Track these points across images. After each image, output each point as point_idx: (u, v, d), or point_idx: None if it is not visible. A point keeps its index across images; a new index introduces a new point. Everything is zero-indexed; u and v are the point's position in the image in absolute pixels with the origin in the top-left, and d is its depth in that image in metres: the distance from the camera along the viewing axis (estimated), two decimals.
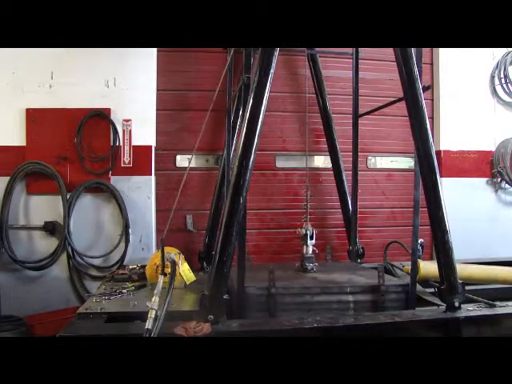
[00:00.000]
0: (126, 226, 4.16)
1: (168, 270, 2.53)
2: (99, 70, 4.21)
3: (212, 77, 4.33)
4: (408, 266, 3.41)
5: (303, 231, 3.35)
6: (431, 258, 4.47)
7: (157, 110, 4.41)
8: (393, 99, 3.52)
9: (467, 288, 2.85)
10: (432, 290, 3.37)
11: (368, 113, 3.96)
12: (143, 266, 3.50)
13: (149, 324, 2.14)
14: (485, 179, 4.97)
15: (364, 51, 4.47)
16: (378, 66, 4.80)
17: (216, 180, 4.25)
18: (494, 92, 4.98)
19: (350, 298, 2.95)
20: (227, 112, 4.06)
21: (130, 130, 4.27)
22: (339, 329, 2.51)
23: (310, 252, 3.33)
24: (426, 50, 4.88)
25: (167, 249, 2.90)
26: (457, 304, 2.74)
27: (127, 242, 4.17)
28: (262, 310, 2.82)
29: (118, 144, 4.21)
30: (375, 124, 4.74)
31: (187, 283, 3.11)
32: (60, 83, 4.16)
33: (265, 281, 2.86)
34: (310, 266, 3.31)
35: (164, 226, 2.81)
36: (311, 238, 3.31)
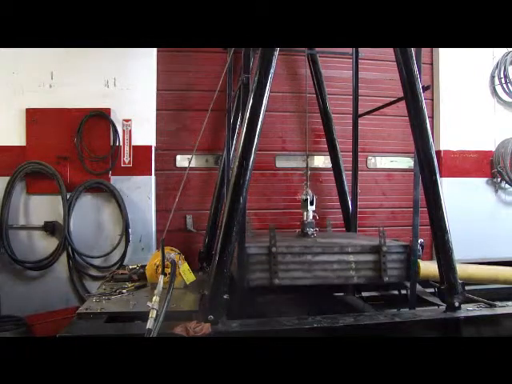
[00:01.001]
0: (126, 226, 4.16)
1: (168, 270, 2.54)
2: (99, 70, 4.21)
3: (212, 77, 4.34)
4: None
5: (303, 197, 3.32)
6: (431, 258, 4.47)
7: (157, 109, 4.41)
8: (393, 99, 3.52)
9: (467, 288, 2.85)
10: (432, 289, 3.38)
11: (368, 113, 3.96)
12: (143, 266, 3.50)
13: (150, 324, 2.14)
14: (485, 179, 4.97)
15: (364, 51, 4.47)
16: (378, 65, 4.80)
17: (216, 180, 4.25)
18: (494, 92, 4.98)
19: (351, 257, 2.94)
20: (227, 112, 4.06)
21: (130, 130, 4.27)
22: (339, 329, 2.50)
23: (311, 217, 3.29)
24: (426, 50, 4.89)
25: (167, 249, 2.90)
26: (457, 304, 2.74)
27: (127, 242, 4.17)
28: (263, 270, 2.81)
29: (117, 144, 4.21)
30: (375, 124, 4.75)
31: (187, 283, 3.11)
32: (60, 83, 4.16)
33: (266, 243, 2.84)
34: (310, 230, 3.26)
35: (164, 226, 2.81)
36: (311, 204, 3.26)
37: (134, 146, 4.27)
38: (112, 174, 4.24)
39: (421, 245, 3.48)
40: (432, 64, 5.00)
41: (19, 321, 3.66)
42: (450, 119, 4.90)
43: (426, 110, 2.85)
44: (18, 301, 3.94)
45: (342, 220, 4.45)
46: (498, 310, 2.84)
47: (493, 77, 4.97)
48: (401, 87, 2.95)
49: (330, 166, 4.51)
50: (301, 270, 2.86)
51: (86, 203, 4.19)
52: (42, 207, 4.14)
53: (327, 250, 2.95)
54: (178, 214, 4.32)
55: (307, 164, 3.51)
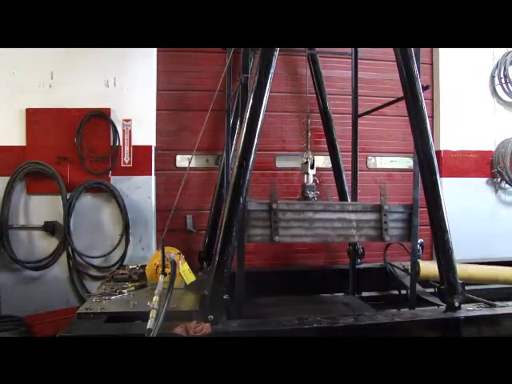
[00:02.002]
0: (126, 226, 4.17)
1: (168, 270, 2.54)
2: (99, 70, 4.21)
3: (212, 77, 4.34)
4: (408, 265, 3.42)
5: (303, 160, 3.31)
6: (431, 258, 4.47)
7: (157, 109, 4.41)
8: (392, 99, 3.52)
9: (467, 288, 2.86)
10: (432, 289, 3.38)
11: (367, 113, 3.96)
12: (143, 266, 3.50)
13: (150, 324, 2.14)
14: (485, 179, 4.97)
15: (364, 51, 4.47)
16: (378, 65, 4.80)
17: (216, 180, 4.25)
18: (494, 92, 4.98)
19: (352, 216, 2.93)
20: (226, 112, 4.06)
21: (130, 130, 4.27)
22: (339, 329, 2.50)
23: (311, 181, 3.28)
24: (426, 50, 4.90)
25: (167, 249, 2.90)
26: (457, 304, 2.74)
27: (127, 241, 4.18)
28: (264, 227, 2.80)
29: (117, 144, 4.21)
30: (375, 124, 4.75)
31: (187, 283, 3.11)
32: (60, 83, 4.16)
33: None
34: (311, 194, 3.22)
35: (164, 226, 2.81)
36: (311, 168, 3.26)
37: (134, 146, 4.27)
38: (112, 174, 4.24)
39: (421, 245, 3.48)
40: (432, 64, 5.00)
41: (19, 321, 3.66)
42: (450, 119, 4.90)
43: (425, 109, 2.85)
44: (17, 301, 3.94)
45: None
46: (498, 310, 2.84)
47: (493, 77, 4.97)
48: (400, 87, 2.95)
49: (330, 165, 4.51)
50: (301, 228, 2.85)
51: (86, 203, 4.19)
52: (42, 207, 4.14)
53: (328, 208, 2.93)
54: (178, 214, 4.32)
55: (307, 125, 3.49)
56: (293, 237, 2.87)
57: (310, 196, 3.20)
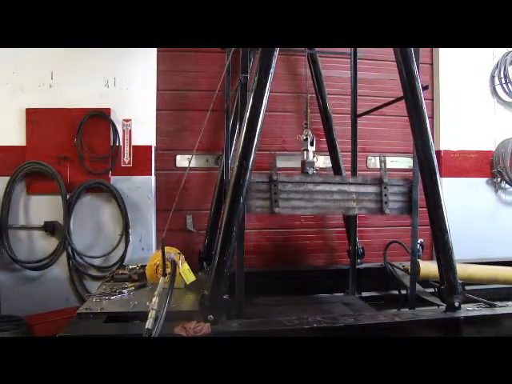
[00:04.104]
0: (126, 226, 4.17)
1: (168, 270, 2.54)
2: (99, 70, 4.21)
3: (212, 77, 4.34)
4: (408, 265, 3.42)
5: (303, 137, 3.30)
6: (431, 258, 4.47)
7: (157, 109, 4.41)
8: (392, 99, 3.52)
9: (467, 288, 2.85)
10: (432, 290, 3.38)
11: (366, 113, 3.96)
12: (143, 266, 3.50)
13: (149, 324, 2.14)
14: (485, 179, 4.97)
15: (364, 51, 4.47)
16: (379, 65, 4.80)
17: (216, 180, 4.25)
18: (494, 92, 4.98)
19: (352, 188, 2.94)
20: (226, 112, 4.06)
21: (130, 130, 4.27)
22: (339, 329, 2.50)
23: (311, 157, 3.27)
24: (426, 50, 4.90)
25: (167, 249, 2.90)
26: (457, 304, 2.74)
27: (127, 241, 4.18)
28: (264, 198, 2.80)
29: (117, 144, 4.21)
30: (375, 124, 4.75)
31: (187, 283, 3.11)
32: (60, 83, 4.16)
33: None
34: (310, 170, 3.21)
35: (164, 226, 2.81)
36: (311, 144, 3.25)
37: (134, 146, 4.27)
38: (112, 174, 4.24)
39: (421, 245, 3.48)
40: (432, 64, 5.00)
41: (19, 321, 3.66)
42: (450, 119, 4.90)
43: (425, 109, 2.85)
44: (17, 301, 3.94)
45: (342, 220, 4.46)
46: (498, 310, 2.84)
47: (493, 77, 4.97)
48: (401, 87, 2.95)
49: (330, 165, 4.51)
50: (302, 200, 2.86)
51: (86, 203, 4.19)
52: (42, 207, 4.13)
53: (328, 181, 2.95)
54: (178, 213, 4.32)
55: (307, 104, 3.50)
56: (293, 208, 2.87)
57: (310, 172, 3.19)
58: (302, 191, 2.88)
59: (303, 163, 3.21)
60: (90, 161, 4.16)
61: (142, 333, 2.13)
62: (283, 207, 2.84)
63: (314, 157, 3.23)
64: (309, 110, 3.45)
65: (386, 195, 2.96)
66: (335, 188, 2.93)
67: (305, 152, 3.23)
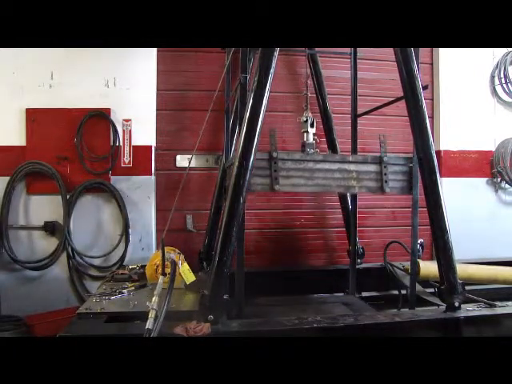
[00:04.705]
0: (126, 226, 4.16)
1: (168, 270, 2.54)
2: (99, 70, 4.21)
3: (212, 77, 4.33)
4: (408, 265, 3.42)
5: (303, 118, 3.31)
6: (431, 258, 4.47)
7: (157, 109, 4.41)
8: (392, 99, 3.52)
9: (467, 288, 2.86)
10: (432, 290, 3.38)
11: (366, 112, 3.96)
12: (143, 266, 3.50)
13: (149, 324, 2.14)
14: (485, 179, 4.97)
15: (364, 51, 4.47)
16: (379, 65, 4.80)
17: (216, 180, 4.25)
18: (494, 92, 4.98)
19: (353, 167, 2.94)
20: (226, 112, 4.06)
21: (130, 130, 4.27)
22: (339, 329, 2.50)
23: (311, 139, 3.26)
24: (426, 50, 4.90)
25: (167, 249, 2.90)
26: (457, 304, 2.74)
27: (127, 241, 4.18)
28: (264, 176, 2.80)
29: (117, 144, 4.21)
30: (376, 124, 4.74)
31: (187, 283, 3.11)
32: (60, 83, 4.16)
33: None
34: (311, 151, 3.20)
35: (164, 226, 2.81)
36: (311, 126, 3.25)
37: (134, 146, 4.27)
38: (112, 174, 4.24)
39: (421, 245, 3.48)
40: (432, 64, 5.00)
41: (19, 321, 3.66)
42: (450, 119, 4.90)
43: (425, 109, 2.85)
44: (17, 301, 3.94)
45: (342, 220, 4.46)
46: (498, 310, 2.84)
47: (493, 77, 4.97)
48: (400, 87, 2.95)
49: None
50: (302, 178, 2.85)
51: (86, 203, 4.19)
52: (42, 207, 4.13)
53: (328, 159, 2.96)
54: (178, 213, 4.32)
55: (307, 86, 3.51)
56: (293, 186, 2.86)
57: (310, 153, 3.17)
58: (302, 169, 2.87)
59: (303, 145, 3.21)
60: (89, 161, 4.16)
61: (141, 333, 2.13)
62: (283, 185, 2.82)
63: (314, 139, 3.23)
64: (308, 93, 3.44)
65: (386, 174, 2.96)
66: (335, 166, 2.93)
67: (305, 134, 3.24)
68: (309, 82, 3.64)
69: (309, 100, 3.42)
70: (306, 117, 3.28)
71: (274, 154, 2.80)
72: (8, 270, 4.04)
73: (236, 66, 4.11)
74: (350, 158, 2.99)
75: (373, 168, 2.99)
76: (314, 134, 3.25)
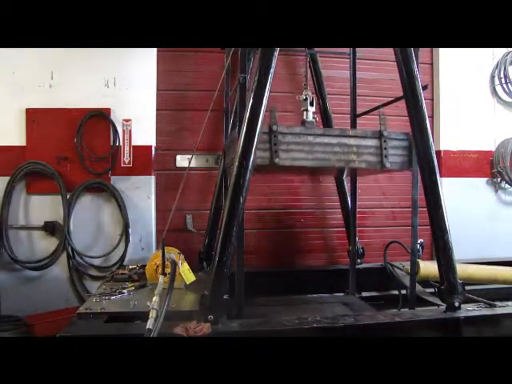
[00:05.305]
0: (126, 226, 4.16)
1: (168, 270, 2.54)
2: (99, 70, 4.21)
3: (212, 77, 4.34)
4: (408, 265, 3.42)
5: (303, 97, 3.30)
6: (431, 258, 4.47)
7: (157, 109, 4.41)
8: (391, 99, 3.52)
9: (467, 288, 2.86)
10: (432, 290, 3.38)
11: (366, 112, 3.96)
12: (143, 266, 3.50)
13: (150, 324, 2.14)
14: (485, 179, 4.97)
15: (363, 51, 4.46)
16: (378, 65, 4.80)
17: (216, 180, 4.25)
18: (494, 92, 4.98)
19: (352, 141, 2.94)
20: (225, 112, 4.06)
21: (130, 130, 4.27)
22: (339, 329, 2.50)
23: (311, 117, 3.26)
24: (426, 50, 4.90)
25: (167, 249, 2.90)
26: (457, 304, 2.74)
27: (127, 241, 4.17)
28: (264, 149, 2.79)
29: (117, 144, 4.21)
30: (375, 124, 4.72)
31: (187, 283, 3.11)
32: (60, 83, 4.16)
33: None
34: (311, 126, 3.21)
35: (164, 226, 2.81)
36: (311, 105, 3.25)
37: (134, 146, 4.27)
38: (112, 174, 4.24)
39: (421, 245, 3.48)
40: (432, 64, 5.00)
41: (19, 321, 3.65)
42: (450, 119, 4.90)
43: (425, 109, 2.85)
44: (17, 301, 3.94)
45: (342, 220, 4.46)
46: (498, 310, 2.84)
47: (493, 77, 4.97)
48: (400, 87, 2.95)
49: None
50: (302, 152, 2.85)
51: (86, 203, 4.19)
52: (42, 207, 4.13)
53: (328, 133, 2.96)
54: (178, 213, 4.32)
55: (306, 67, 3.50)
56: (293, 160, 2.86)
57: (310, 127, 3.18)
58: (301, 143, 2.87)
59: (303, 122, 3.21)
60: (89, 161, 4.16)
61: (142, 333, 2.13)
62: (283, 158, 2.82)
63: (313, 117, 3.23)
64: (308, 72, 3.43)
65: (385, 148, 2.95)
66: (335, 140, 2.92)
67: (305, 112, 3.23)
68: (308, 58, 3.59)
69: (308, 79, 3.41)
70: (306, 95, 3.27)
71: (274, 128, 2.79)
72: (8, 270, 4.04)
73: (236, 66, 4.11)
74: (350, 133, 2.98)
75: (372, 142, 2.98)
76: (314, 113, 3.24)
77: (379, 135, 2.99)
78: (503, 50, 4.93)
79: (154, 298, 2.26)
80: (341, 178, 4.38)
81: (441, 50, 4.91)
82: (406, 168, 3.10)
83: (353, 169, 3.17)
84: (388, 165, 2.97)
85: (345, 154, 2.93)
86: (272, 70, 2.63)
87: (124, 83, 4.26)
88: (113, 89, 4.25)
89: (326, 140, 2.91)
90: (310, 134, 2.89)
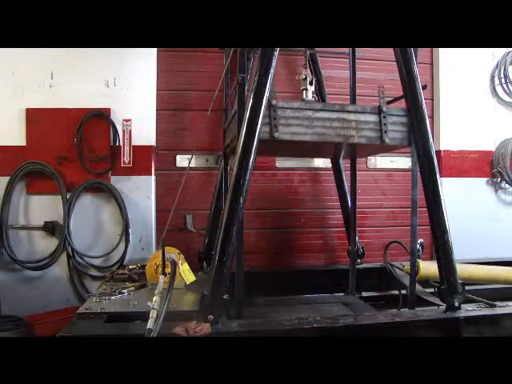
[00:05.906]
0: (126, 226, 4.16)
1: (168, 270, 2.54)
2: (99, 70, 4.21)
3: (212, 77, 4.34)
4: (408, 265, 3.42)
5: (302, 76, 3.28)
6: (431, 258, 4.47)
7: (157, 110, 4.41)
8: (391, 99, 3.52)
9: (467, 288, 2.86)
10: (432, 290, 3.38)
11: None
12: (143, 266, 3.50)
13: (150, 324, 2.14)
14: (485, 179, 4.97)
15: (363, 51, 4.46)
16: (378, 65, 4.80)
17: (216, 180, 4.25)
18: (494, 92, 4.98)
19: (352, 116, 2.93)
20: (224, 112, 4.06)
21: (130, 130, 4.27)
22: (339, 329, 2.50)
23: (310, 96, 3.24)
24: (426, 50, 4.90)
25: (167, 249, 2.90)
26: (457, 304, 2.74)
27: (127, 241, 4.17)
28: (263, 123, 2.75)
29: (117, 144, 4.21)
30: None
31: (187, 283, 3.11)
32: (60, 83, 4.16)
33: None
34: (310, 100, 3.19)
35: (164, 226, 2.81)
36: (310, 84, 3.23)
37: (134, 146, 4.27)
38: (112, 174, 4.24)
39: (421, 245, 3.48)
40: (432, 64, 5.00)
41: (19, 321, 3.65)
42: (450, 119, 4.90)
43: (425, 109, 2.85)
44: (17, 301, 3.94)
45: (342, 220, 4.45)
46: (498, 310, 2.84)
47: (493, 77, 4.97)
48: (400, 87, 2.95)
49: (329, 165, 4.51)
50: (301, 126, 2.84)
51: (86, 203, 4.19)
52: (42, 207, 4.13)
53: (327, 108, 2.95)
54: (178, 214, 4.32)
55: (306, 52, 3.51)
56: (292, 134, 2.85)
57: (309, 102, 3.17)
58: (301, 117, 2.86)
59: (303, 101, 3.16)
60: (89, 161, 4.16)
61: (142, 333, 2.13)
62: (282, 133, 2.81)
63: (312, 96, 3.22)
64: (307, 51, 3.44)
65: (385, 124, 2.94)
66: (334, 115, 2.91)
67: (304, 91, 3.22)
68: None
69: (308, 59, 3.39)
70: (305, 75, 3.26)
71: (274, 102, 2.79)
72: (8, 270, 4.04)
73: (236, 66, 4.12)
74: (349, 108, 2.97)
75: (372, 118, 2.97)
76: (313, 92, 3.24)
77: (379, 111, 2.98)
78: (503, 50, 4.93)
79: (154, 298, 2.26)
80: (341, 179, 4.37)
81: (441, 49, 4.91)
82: (406, 144, 3.07)
83: (352, 145, 3.15)
84: (388, 140, 2.95)
85: (344, 129, 2.91)
86: (272, 70, 2.63)
87: (124, 83, 4.26)
88: (113, 89, 4.25)
89: (325, 115, 2.90)
90: (310, 109, 2.88)
